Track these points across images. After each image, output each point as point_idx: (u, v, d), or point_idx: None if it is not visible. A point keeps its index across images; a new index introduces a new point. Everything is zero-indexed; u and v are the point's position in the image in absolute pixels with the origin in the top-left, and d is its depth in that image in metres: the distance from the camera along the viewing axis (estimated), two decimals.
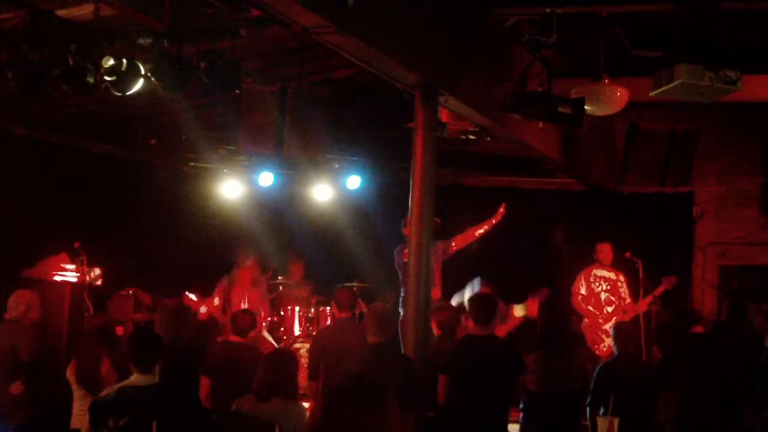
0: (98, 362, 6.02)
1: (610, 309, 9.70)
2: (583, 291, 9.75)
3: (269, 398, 5.25)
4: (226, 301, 9.16)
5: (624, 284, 9.86)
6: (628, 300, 9.80)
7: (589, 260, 9.89)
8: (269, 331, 9.60)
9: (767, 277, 10.80)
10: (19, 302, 7.18)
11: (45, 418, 7.02)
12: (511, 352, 6.75)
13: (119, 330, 8.08)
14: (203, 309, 8.96)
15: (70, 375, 6.10)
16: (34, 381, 7.01)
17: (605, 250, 9.78)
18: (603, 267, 9.83)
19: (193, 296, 8.97)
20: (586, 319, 9.72)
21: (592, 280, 9.77)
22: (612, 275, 9.83)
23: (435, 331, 7.27)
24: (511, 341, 8.86)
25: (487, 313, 6.58)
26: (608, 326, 9.23)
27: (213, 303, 9.12)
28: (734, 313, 8.19)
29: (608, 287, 9.76)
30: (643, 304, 9.61)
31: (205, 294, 9.15)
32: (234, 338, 7.29)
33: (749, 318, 8.08)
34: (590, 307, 9.70)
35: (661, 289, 9.58)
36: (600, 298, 9.74)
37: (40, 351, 7.15)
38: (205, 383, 6.72)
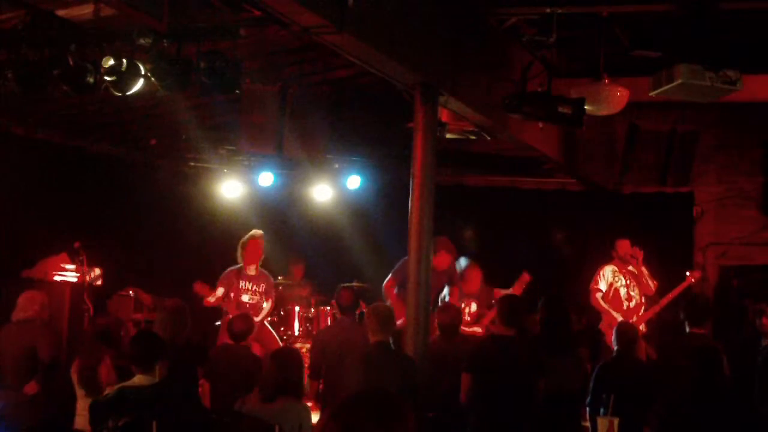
0: (98, 363, 6.02)
1: (631, 304, 9.38)
2: (602, 287, 9.42)
3: (275, 398, 5.23)
4: (229, 290, 9.02)
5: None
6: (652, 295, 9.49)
7: (607, 257, 9.61)
8: None
9: (767, 277, 10.78)
10: (33, 302, 7.23)
11: (59, 419, 7.02)
12: (533, 354, 6.54)
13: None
14: (212, 299, 8.86)
15: (73, 374, 6.11)
16: (51, 381, 7.01)
17: (624, 246, 9.51)
18: (624, 263, 9.51)
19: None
20: (605, 318, 9.34)
21: (611, 276, 9.45)
22: (634, 270, 9.49)
23: (436, 330, 7.28)
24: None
25: (512, 313, 6.48)
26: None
27: (217, 293, 8.99)
28: (733, 313, 8.19)
29: (628, 282, 9.44)
30: (666, 300, 9.31)
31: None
32: (232, 342, 7.29)
33: (749, 318, 8.08)
34: (608, 304, 9.36)
35: (685, 285, 9.27)
36: (619, 294, 9.42)
37: (58, 350, 7.17)
38: (204, 387, 6.72)
